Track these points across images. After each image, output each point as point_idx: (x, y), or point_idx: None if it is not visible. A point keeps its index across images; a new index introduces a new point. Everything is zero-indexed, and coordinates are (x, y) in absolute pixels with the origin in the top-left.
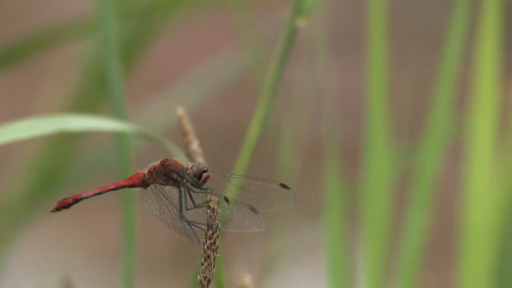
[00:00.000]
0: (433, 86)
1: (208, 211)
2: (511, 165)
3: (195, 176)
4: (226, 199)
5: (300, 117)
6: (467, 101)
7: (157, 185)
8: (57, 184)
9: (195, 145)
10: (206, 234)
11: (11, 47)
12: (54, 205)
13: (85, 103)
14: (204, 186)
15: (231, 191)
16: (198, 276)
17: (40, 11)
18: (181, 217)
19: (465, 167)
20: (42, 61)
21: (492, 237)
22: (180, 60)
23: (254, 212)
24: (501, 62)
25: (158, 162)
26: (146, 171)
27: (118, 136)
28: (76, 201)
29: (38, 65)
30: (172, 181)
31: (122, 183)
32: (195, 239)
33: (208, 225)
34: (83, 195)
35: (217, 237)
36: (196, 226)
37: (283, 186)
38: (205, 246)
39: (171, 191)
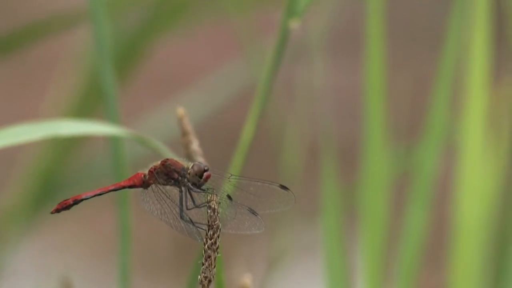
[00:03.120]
0: (431, 86)
1: (209, 211)
2: (502, 164)
3: (196, 174)
4: (229, 197)
5: (302, 118)
6: (459, 101)
7: (158, 185)
8: (56, 186)
9: (195, 145)
10: (206, 234)
11: (4, 38)
12: (53, 206)
13: (81, 105)
14: (204, 186)
15: (230, 192)
16: (199, 276)
17: (33, 4)
18: (182, 216)
19: (457, 167)
20: (36, 59)
21: (483, 235)
22: (184, 65)
23: (254, 214)
24: (491, 62)
25: (159, 162)
26: (146, 172)
27: (112, 141)
28: (76, 202)
29: (32, 64)
30: (173, 181)
31: (122, 183)
32: (198, 237)
33: (208, 225)
34: (83, 196)
35: (218, 237)
36: (197, 227)
37: (283, 187)
38: (206, 246)
39: (171, 191)
